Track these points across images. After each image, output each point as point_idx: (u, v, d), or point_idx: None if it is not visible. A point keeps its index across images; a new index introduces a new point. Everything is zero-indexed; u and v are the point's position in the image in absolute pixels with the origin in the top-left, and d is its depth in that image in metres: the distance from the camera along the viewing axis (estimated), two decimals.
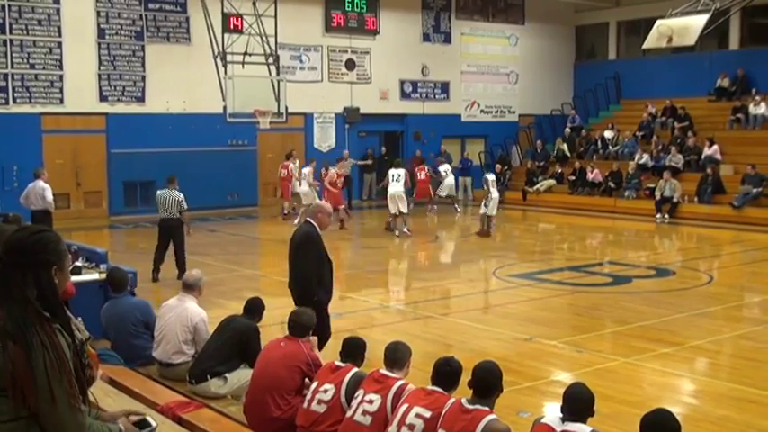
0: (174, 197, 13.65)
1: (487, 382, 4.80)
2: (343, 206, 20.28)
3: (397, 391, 5.29)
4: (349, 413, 5.37)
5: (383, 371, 5.50)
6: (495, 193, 18.98)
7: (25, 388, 2.77)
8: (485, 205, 18.91)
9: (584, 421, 4.46)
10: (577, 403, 4.52)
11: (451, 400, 4.89)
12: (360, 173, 26.78)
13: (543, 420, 4.59)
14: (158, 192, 14.00)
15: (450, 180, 24.50)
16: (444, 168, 24.67)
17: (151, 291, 11.77)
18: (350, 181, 24.19)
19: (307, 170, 21.39)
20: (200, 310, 7.58)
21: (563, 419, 4.47)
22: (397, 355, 5.57)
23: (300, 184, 21.51)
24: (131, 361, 7.62)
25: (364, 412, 5.28)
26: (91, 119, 22.52)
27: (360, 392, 5.41)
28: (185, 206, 13.84)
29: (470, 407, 4.69)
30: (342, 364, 5.81)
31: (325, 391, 5.65)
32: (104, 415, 3.32)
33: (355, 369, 5.74)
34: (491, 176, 19.53)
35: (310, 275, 7.83)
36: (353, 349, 5.95)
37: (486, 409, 4.69)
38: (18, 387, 2.77)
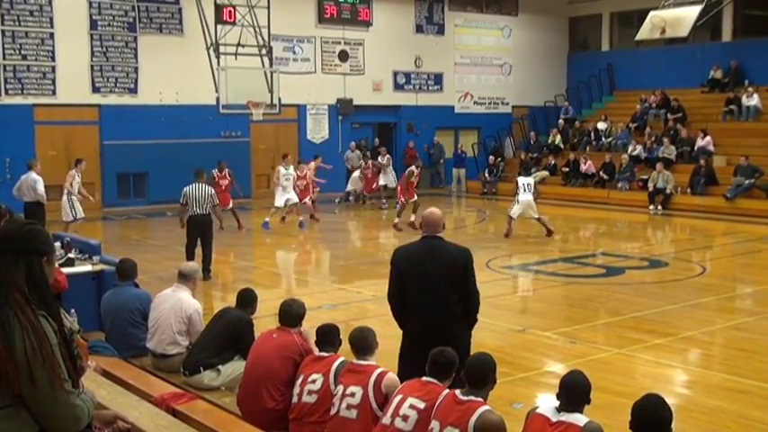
0: (206, 192, 13.03)
1: (481, 374, 4.79)
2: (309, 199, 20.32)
3: (377, 380, 5.31)
4: (333, 410, 5.37)
5: (356, 361, 5.51)
6: (522, 197, 17.47)
7: (8, 371, 2.80)
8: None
9: (580, 410, 4.46)
10: (574, 390, 4.51)
11: (445, 392, 4.89)
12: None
13: (538, 411, 4.57)
14: (186, 187, 13.08)
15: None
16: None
17: (150, 284, 11.72)
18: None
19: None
20: (195, 302, 7.59)
21: (558, 409, 4.47)
22: (366, 342, 5.58)
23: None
24: (125, 350, 7.62)
25: (348, 406, 5.28)
26: (83, 110, 22.46)
27: (339, 387, 5.42)
28: (216, 201, 13.42)
29: (464, 398, 4.69)
30: (325, 354, 5.83)
31: (314, 381, 5.67)
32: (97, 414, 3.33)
33: (342, 358, 5.76)
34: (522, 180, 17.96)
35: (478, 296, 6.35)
36: (329, 336, 5.96)
37: (480, 400, 4.68)
38: (2, 371, 2.81)
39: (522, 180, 17.85)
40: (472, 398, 4.68)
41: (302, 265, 16.17)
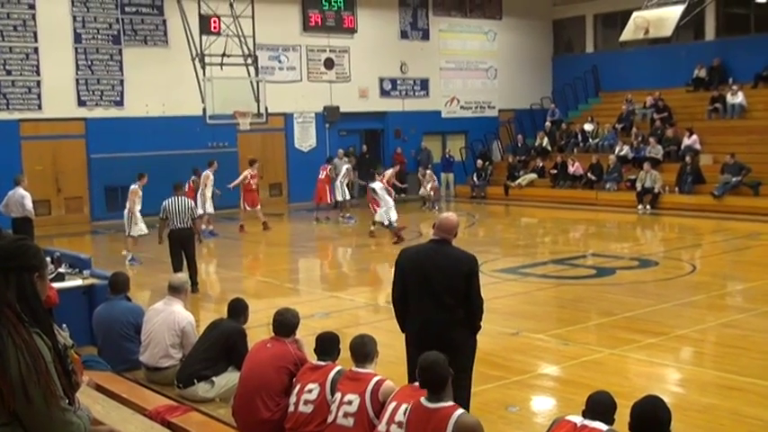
0: (186, 205, 12.94)
1: (439, 376, 4.66)
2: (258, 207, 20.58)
3: (374, 388, 5.29)
4: (330, 418, 5.36)
5: (355, 368, 5.50)
6: (387, 200, 18.36)
7: (3, 390, 2.79)
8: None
9: (605, 423, 4.43)
10: (599, 408, 4.45)
11: (411, 402, 4.78)
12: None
13: (567, 417, 4.53)
14: (165, 201, 13.00)
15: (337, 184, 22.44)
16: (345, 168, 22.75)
17: (142, 298, 11.69)
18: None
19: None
20: (188, 314, 7.57)
21: (584, 417, 4.44)
22: (366, 350, 5.56)
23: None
24: (118, 364, 7.59)
25: (345, 414, 5.27)
26: (70, 124, 22.38)
27: (337, 395, 5.40)
28: (196, 213, 13.26)
29: (433, 405, 4.60)
30: (322, 363, 5.81)
31: (310, 390, 5.65)
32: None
33: (339, 367, 5.74)
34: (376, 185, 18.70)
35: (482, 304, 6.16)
36: (329, 345, 5.93)
37: (450, 404, 4.60)
38: None
39: (377, 186, 18.59)
40: (441, 404, 4.60)
41: (292, 273, 16.14)
